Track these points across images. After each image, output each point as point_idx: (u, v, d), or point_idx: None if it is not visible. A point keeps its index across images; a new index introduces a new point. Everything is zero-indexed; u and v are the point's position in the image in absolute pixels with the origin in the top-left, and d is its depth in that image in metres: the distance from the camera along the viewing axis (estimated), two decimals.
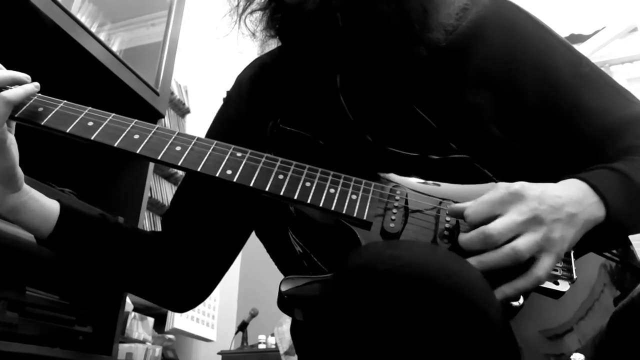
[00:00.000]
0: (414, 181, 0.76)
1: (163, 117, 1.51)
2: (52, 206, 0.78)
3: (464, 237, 0.65)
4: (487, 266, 0.62)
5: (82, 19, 1.32)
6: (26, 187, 0.75)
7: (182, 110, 2.70)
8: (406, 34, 0.77)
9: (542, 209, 0.64)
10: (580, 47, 0.85)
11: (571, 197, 0.67)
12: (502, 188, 0.66)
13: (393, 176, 0.76)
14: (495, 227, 0.63)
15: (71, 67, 1.27)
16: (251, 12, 0.85)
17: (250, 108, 0.92)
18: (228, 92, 0.98)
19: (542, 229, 0.63)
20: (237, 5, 0.85)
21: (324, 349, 0.55)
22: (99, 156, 1.41)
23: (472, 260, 0.63)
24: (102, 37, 1.33)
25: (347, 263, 0.56)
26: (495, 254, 0.62)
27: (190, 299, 0.94)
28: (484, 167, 0.77)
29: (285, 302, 0.68)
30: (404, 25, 0.76)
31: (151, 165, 1.46)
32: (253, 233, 0.96)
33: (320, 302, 0.58)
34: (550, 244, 0.64)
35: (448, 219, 0.70)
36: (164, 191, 2.43)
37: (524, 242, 0.62)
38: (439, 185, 0.75)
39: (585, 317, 0.66)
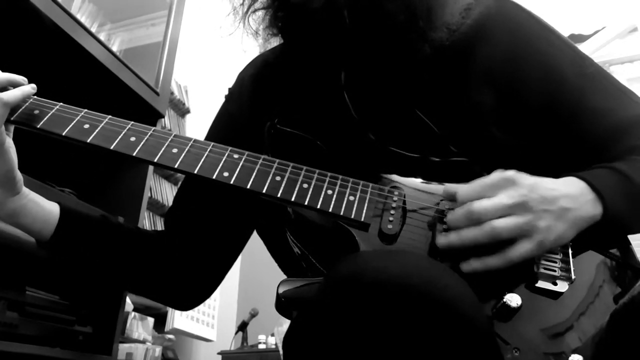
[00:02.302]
0: (414, 181, 0.76)
1: (163, 117, 1.51)
2: (52, 209, 0.78)
3: (450, 214, 0.67)
4: (465, 240, 0.65)
5: (82, 19, 1.32)
6: (25, 190, 0.75)
7: (182, 110, 2.70)
8: (411, 31, 0.77)
9: (531, 197, 0.65)
10: (580, 47, 0.85)
11: (566, 193, 0.68)
12: (496, 174, 0.68)
13: (395, 177, 0.76)
14: (480, 204, 0.65)
15: (71, 67, 1.27)
16: (254, 11, 0.85)
17: (252, 106, 0.92)
18: (230, 89, 0.98)
19: (527, 215, 0.65)
20: (242, 4, 0.85)
21: (312, 353, 0.56)
22: (99, 157, 1.41)
23: (453, 234, 0.66)
24: (102, 37, 1.33)
25: (334, 272, 0.57)
26: (475, 229, 0.65)
27: (193, 297, 0.95)
28: (483, 170, 0.77)
29: (283, 304, 0.68)
30: (410, 22, 0.76)
31: (151, 165, 1.46)
32: (254, 233, 0.97)
33: (308, 305, 0.58)
34: (533, 230, 0.64)
35: (446, 219, 0.70)
36: (164, 191, 2.44)
37: (504, 222, 0.64)
38: (439, 185, 0.75)
39: (585, 315, 0.67)
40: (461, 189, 0.68)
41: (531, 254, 0.65)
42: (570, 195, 0.68)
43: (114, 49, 1.44)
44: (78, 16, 1.24)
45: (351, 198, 0.71)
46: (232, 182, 0.71)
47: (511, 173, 0.67)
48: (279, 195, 0.70)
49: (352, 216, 0.69)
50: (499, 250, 0.65)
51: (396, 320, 0.51)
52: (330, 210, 0.70)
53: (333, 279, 0.56)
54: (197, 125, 2.74)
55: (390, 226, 0.69)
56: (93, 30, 1.27)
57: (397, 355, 0.51)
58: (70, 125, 0.73)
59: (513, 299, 0.64)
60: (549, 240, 0.66)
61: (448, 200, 0.71)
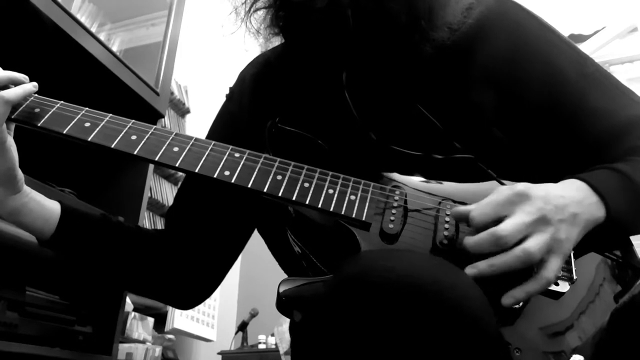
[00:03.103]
0: (416, 180, 0.76)
1: (163, 117, 1.51)
2: (53, 207, 0.78)
3: (471, 240, 0.63)
4: (499, 269, 0.61)
5: (82, 19, 1.32)
6: (26, 189, 0.75)
7: (182, 110, 2.70)
8: (413, 31, 0.77)
9: (548, 209, 0.64)
10: (580, 47, 0.85)
11: (573, 198, 0.67)
12: (505, 189, 0.65)
13: (396, 175, 0.76)
14: (506, 228, 0.62)
15: (71, 67, 1.27)
16: (255, 10, 0.85)
17: (253, 105, 0.92)
18: (231, 89, 0.98)
19: (549, 229, 0.63)
20: (244, 3, 0.85)
21: (319, 352, 0.55)
22: (99, 156, 1.41)
23: (483, 264, 0.62)
24: (102, 37, 1.33)
25: (341, 271, 0.56)
26: (507, 256, 0.61)
27: (193, 296, 0.95)
28: (487, 167, 0.77)
29: (284, 304, 0.68)
30: (412, 22, 0.76)
31: (151, 165, 1.46)
32: (255, 232, 0.97)
33: (314, 306, 0.58)
34: (557, 244, 0.63)
35: (447, 219, 0.70)
36: (164, 191, 2.43)
37: (535, 243, 0.62)
38: (441, 183, 0.75)
39: (585, 314, 0.66)
40: (475, 212, 0.65)
41: (561, 268, 0.64)
42: (576, 200, 0.67)
43: (114, 49, 1.44)
44: (78, 16, 1.24)
45: (352, 197, 0.71)
46: (233, 181, 0.71)
47: (521, 187, 0.65)
48: (280, 194, 0.70)
49: (353, 215, 0.69)
50: (524, 270, 0.63)
51: (403, 319, 0.51)
52: (332, 209, 0.69)
53: (340, 278, 0.56)
54: (197, 125, 2.74)
55: (391, 225, 0.69)
56: (93, 30, 1.27)
57: (404, 354, 0.51)
58: (71, 124, 0.73)
59: None
60: (569, 249, 0.65)
61: (459, 221, 0.68)
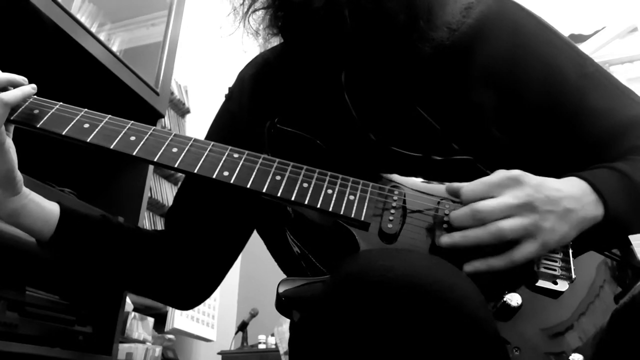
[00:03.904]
0: (415, 181, 0.76)
1: (163, 117, 1.51)
2: (52, 208, 0.78)
3: (454, 213, 0.66)
4: (469, 240, 0.64)
5: (82, 19, 1.32)
6: (26, 190, 0.75)
7: (182, 110, 2.70)
8: (412, 31, 0.77)
9: (537, 197, 0.65)
10: (580, 47, 0.85)
11: (570, 193, 0.68)
12: (501, 172, 0.67)
13: (395, 176, 0.76)
14: (485, 204, 0.65)
15: (71, 67, 1.27)
16: (254, 11, 0.85)
17: (252, 105, 0.92)
18: (230, 89, 0.98)
19: (533, 215, 0.64)
20: (242, 4, 0.85)
21: (317, 352, 0.55)
22: (99, 156, 1.41)
23: (457, 234, 0.65)
24: (102, 37, 1.33)
25: (340, 270, 0.56)
26: (480, 230, 0.64)
27: (193, 297, 0.95)
28: (486, 169, 0.77)
29: (283, 304, 0.68)
30: (410, 22, 0.76)
31: (151, 165, 1.46)
32: (255, 232, 0.97)
33: (313, 306, 0.58)
34: (538, 231, 0.64)
35: (446, 219, 0.70)
36: (164, 191, 2.44)
37: (510, 223, 0.64)
38: (440, 184, 0.75)
39: (586, 314, 0.66)
40: (465, 187, 0.68)
41: (535, 255, 0.65)
42: (573, 196, 0.68)
43: (114, 49, 1.44)
44: (78, 16, 1.24)
45: (351, 197, 0.71)
46: (232, 182, 0.71)
47: (517, 172, 0.67)
48: (279, 194, 0.70)
49: (352, 215, 0.69)
50: (502, 250, 0.65)
51: (402, 319, 0.51)
52: (330, 209, 0.69)
53: (339, 277, 0.56)
54: (197, 125, 2.74)
55: (390, 225, 0.69)
56: (93, 30, 1.27)
57: (402, 354, 0.51)
58: (70, 125, 0.73)
59: (513, 298, 0.64)
60: (553, 240, 0.65)
61: (451, 197, 0.71)
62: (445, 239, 0.66)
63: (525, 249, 0.64)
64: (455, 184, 0.70)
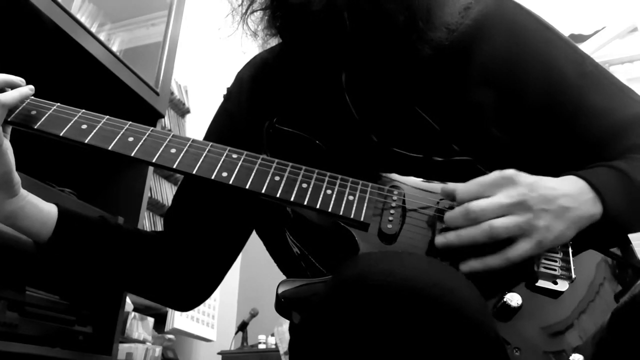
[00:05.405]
0: (415, 180, 0.76)
1: (163, 117, 1.51)
2: (50, 210, 0.78)
3: (448, 214, 0.67)
4: (463, 240, 0.65)
5: (82, 19, 1.32)
6: (23, 192, 0.75)
7: (182, 110, 2.70)
8: (411, 32, 0.77)
9: (531, 196, 0.65)
10: (580, 47, 0.85)
11: (566, 192, 0.68)
12: (496, 172, 0.68)
13: (395, 176, 0.76)
14: (478, 204, 0.65)
15: (71, 67, 1.27)
16: (253, 12, 0.85)
17: (250, 105, 0.92)
18: (228, 89, 0.98)
19: (527, 214, 0.65)
20: (240, 5, 0.85)
21: (317, 354, 0.55)
22: (99, 156, 1.40)
23: (452, 234, 0.65)
24: (102, 37, 1.33)
25: (340, 274, 0.56)
26: (473, 229, 0.65)
27: (192, 298, 0.95)
28: (486, 169, 0.77)
29: (283, 305, 0.68)
30: (409, 23, 0.76)
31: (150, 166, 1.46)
32: (254, 233, 0.97)
33: (313, 309, 0.58)
34: (533, 230, 0.64)
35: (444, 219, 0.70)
36: (164, 191, 2.44)
37: (503, 222, 0.64)
38: (439, 184, 0.75)
39: (585, 313, 0.67)
40: (460, 188, 0.68)
41: (530, 254, 0.65)
42: (569, 194, 0.68)
43: (114, 49, 1.44)
44: (78, 16, 1.24)
45: (350, 197, 0.71)
46: (231, 182, 0.71)
47: (511, 172, 0.67)
48: (278, 195, 0.70)
49: (352, 216, 0.69)
50: (498, 250, 0.65)
51: (403, 322, 0.51)
52: (330, 210, 0.69)
53: (339, 280, 0.55)
54: (197, 125, 2.74)
55: (389, 226, 0.69)
56: (93, 30, 1.27)
57: (403, 357, 0.51)
58: (68, 126, 0.72)
59: (513, 299, 0.64)
60: (548, 239, 0.65)
61: (447, 199, 0.71)
62: (440, 239, 0.67)
63: (521, 248, 0.64)
64: (451, 185, 0.70)
